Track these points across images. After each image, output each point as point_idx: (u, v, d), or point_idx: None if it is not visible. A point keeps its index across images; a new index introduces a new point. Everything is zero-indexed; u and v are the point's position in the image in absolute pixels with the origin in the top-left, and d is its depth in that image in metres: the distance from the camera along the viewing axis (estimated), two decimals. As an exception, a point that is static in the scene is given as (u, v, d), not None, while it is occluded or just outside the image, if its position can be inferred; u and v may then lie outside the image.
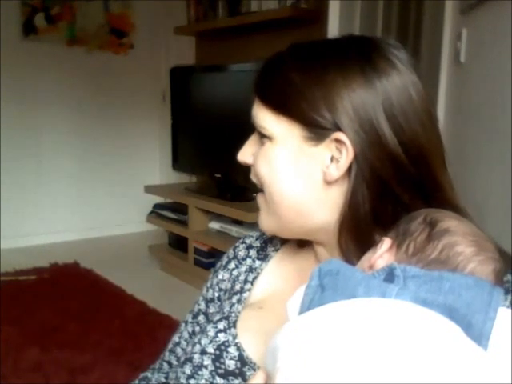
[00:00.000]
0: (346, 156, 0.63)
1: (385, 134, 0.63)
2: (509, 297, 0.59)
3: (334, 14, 2.76)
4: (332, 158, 0.64)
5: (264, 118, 0.67)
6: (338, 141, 0.63)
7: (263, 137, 0.68)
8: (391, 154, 0.63)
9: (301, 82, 0.65)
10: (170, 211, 3.32)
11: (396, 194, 0.64)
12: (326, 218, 0.67)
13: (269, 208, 0.70)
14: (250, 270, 0.79)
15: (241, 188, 2.88)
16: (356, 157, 0.63)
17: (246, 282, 0.78)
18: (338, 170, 0.64)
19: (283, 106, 0.66)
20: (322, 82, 0.64)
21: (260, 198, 0.72)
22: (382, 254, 0.57)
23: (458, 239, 0.55)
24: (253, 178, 0.72)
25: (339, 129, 0.63)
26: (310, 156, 0.65)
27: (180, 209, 3.20)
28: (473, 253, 0.54)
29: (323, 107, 0.63)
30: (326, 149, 0.64)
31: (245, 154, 0.72)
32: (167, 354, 0.86)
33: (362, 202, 0.64)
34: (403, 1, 3.13)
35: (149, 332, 2.43)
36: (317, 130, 0.64)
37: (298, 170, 0.66)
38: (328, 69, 0.64)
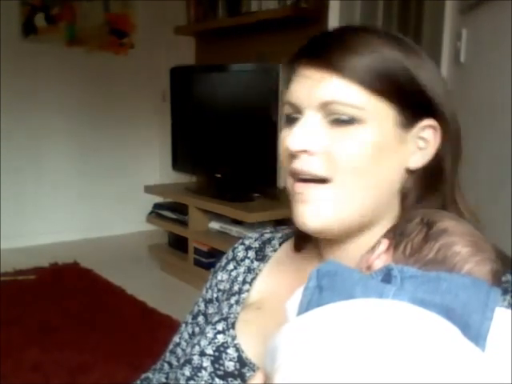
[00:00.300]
0: (434, 144, 0.61)
1: (460, 127, 0.62)
2: (507, 297, 0.58)
3: (334, 14, 2.76)
4: (418, 145, 0.62)
5: (352, 97, 0.60)
6: (430, 127, 0.62)
7: (343, 120, 0.60)
8: (458, 151, 0.63)
9: (403, 61, 0.60)
10: (169, 211, 3.32)
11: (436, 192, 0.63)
12: (391, 210, 0.65)
13: (338, 199, 0.62)
14: (249, 270, 0.79)
15: (241, 188, 2.88)
16: (441, 146, 0.61)
17: (244, 282, 0.77)
18: (426, 156, 0.62)
19: (383, 86, 0.60)
20: (422, 65, 0.61)
21: (319, 190, 0.62)
22: (380, 254, 0.57)
23: (455, 239, 0.55)
24: (313, 166, 0.62)
25: (431, 115, 0.61)
26: (401, 141, 0.62)
27: (180, 209, 3.20)
28: (470, 253, 0.54)
29: (424, 91, 0.61)
30: (416, 134, 0.62)
31: (305, 141, 0.61)
32: (168, 354, 0.85)
33: (432, 196, 0.63)
34: (403, 1, 3.13)
35: (149, 332, 2.43)
36: (410, 114, 0.61)
37: (389, 155, 0.62)
38: (419, 52, 0.62)
